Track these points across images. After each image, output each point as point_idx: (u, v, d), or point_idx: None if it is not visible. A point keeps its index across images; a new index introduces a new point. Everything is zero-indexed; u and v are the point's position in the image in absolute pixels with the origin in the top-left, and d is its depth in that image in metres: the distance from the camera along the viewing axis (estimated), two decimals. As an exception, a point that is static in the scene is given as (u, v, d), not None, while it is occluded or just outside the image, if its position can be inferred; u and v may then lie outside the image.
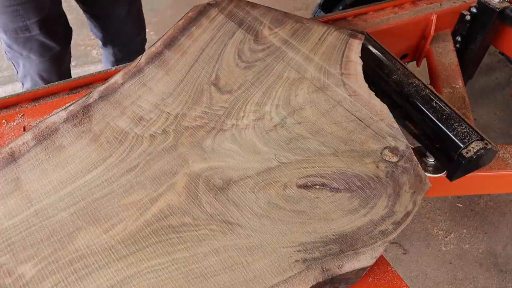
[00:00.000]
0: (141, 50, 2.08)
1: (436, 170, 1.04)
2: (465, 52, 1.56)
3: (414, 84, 1.10)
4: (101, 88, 0.92)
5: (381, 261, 0.76)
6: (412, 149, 0.87)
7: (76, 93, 1.07)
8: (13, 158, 0.80)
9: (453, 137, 0.98)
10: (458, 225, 2.10)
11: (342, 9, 1.85)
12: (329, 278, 0.67)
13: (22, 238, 0.69)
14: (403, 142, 0.86)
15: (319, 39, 1.09)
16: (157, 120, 0.88)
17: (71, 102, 0.90)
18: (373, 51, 1.19)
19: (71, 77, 1.89)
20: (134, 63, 0.98)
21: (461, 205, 2.18)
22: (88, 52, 2.57)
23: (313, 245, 0.70)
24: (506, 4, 1.44)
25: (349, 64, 1.02)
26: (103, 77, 1.10)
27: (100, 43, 2.00)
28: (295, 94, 0.95)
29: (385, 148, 0.85)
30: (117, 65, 1.99)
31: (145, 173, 0.79)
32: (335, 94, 0.95)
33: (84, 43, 1.97)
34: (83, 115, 0.87)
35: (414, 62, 1.60)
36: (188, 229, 0.71)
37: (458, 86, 1.34)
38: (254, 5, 1.16)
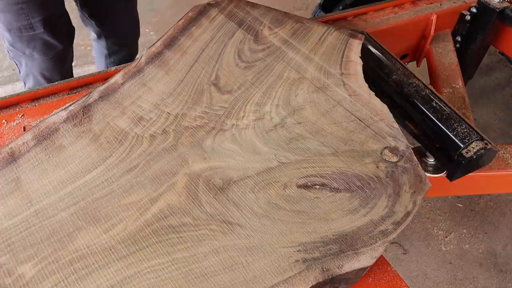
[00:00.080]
0: (135, 45, 2.09)
1: (436, 170, 1.04)
2: (465, 52, 1.56)
3: (414, 84, 1.10)
4: (101, 88, 0.92)
5: (381, 261, 0.76)
6: (412, 149, 0.87)
7: (76, 93, 1.07)
8: (13, 158, 0.80)
9: (453, 137, 0.98)
10: (458, 225, 2.10)
11: (342, 9, 1.85)
12: (329, 278, 0.67)
13: (22, 238, 0.69)
14: (403, 142, 0.86)
15: (319, 39, 1.09)
16: (157, 120, 0.88)
17: (71, 102, 0.90)
18: (373, 51, 1.19)
19: (73, 76, 1.90)
20: (134, 63, 0.98)
21: (461, 205, 2.18)
22: (88, 52, 2.57)
23: (313, 245, 0.70)
24: (506, 4, 1.44)
25: (349, 64, 1.02)
26: (103, 77, 1.10)
27: (93, 35, 1.99)
28: (295, 94, 0.95)
29: (385, 148, 0.85)
30: (110, 58, 2.01)
31: (145, 173, 0.79)
32: (335, 94, 0.95)
33: (84, 43, 1.97)
34: (83, 115, 0.87)
35: (414, 62, 1.60)
36: (188, 229, 0.71)
37: (458, 86, 1.34)
38: (254, 5, 1.16)
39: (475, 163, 0.98)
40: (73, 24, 1.78)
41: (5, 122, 0.97)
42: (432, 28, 1.44)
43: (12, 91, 2.08)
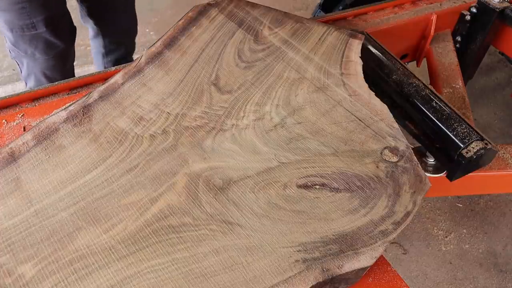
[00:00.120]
0: (132, 43, 2.10)
1: (436, 170, 1.04)
2: (465, 52, 1.56)
3: (414, 84, 1.10)
4: (101, 88, 0.92)
5: (381, 261, 0.76)
6: (412, 149, 0.87)
7: (76, 93, 1.07)
8: (13, 158, 0.80)
9: (453, 137, 0.98)
10: (458, 225, 2.10)
11: (342, 9, 1.85)
12: (329, 278, 0.67)
13: (22, 238, 0.69)
14: (403, 142, 0.86)
15: (319, 39, 1.09)
16: (157, 120, 0.88)
17: (71, 102, 0.90)
18: (373, 51, 1.19)
19: (74, 75, 1.90)
20: (134, 63, 0.98)
21: (461, 205, 2.18)
22: (88, 52, 2.57)
23: (313, 245, 0.70)
24: (506, 4, 1.44)
25: (349, 64, 1.02)
26: (103, 77, 1.10)
27: (90, 33, 2.00)
28: (295, 94, 0.95)
29: (385, 148, 0.85)
30: (108, 57, 2.02)
31: (145, 173, 0.79)
32: (335, 94, 0.95)
33: (84, 43, 1.97)
34: (83, 115, 0.87)
35: (414, 62, 1.60)
36: (188, 229, 0.71)
37: (458, 86, 1.34)
38: (254, 5, 1.16)
39: (475, 163, 0.98)
40: (74, 24, 1.78)
41: (5, 122, 0.97)
42: (432, 28, 1.44)
43: (12, 91, 2.08)
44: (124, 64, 1.08)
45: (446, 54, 1.46)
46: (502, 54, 2.45)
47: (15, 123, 0.97)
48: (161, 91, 0.93)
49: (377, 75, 1.16)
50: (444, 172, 1.03)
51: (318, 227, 0.73)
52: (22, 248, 0.68)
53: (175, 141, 0.84)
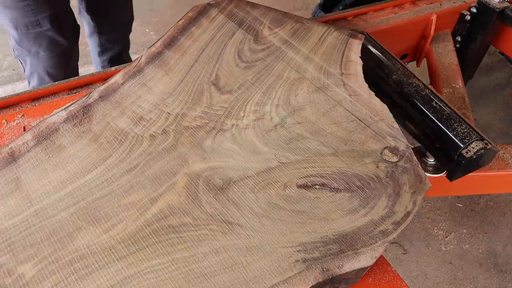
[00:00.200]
0: (127, 43, 2.11)
1: (436, 170, 1.04)
2: (465, 52, 1.56)
3: (414, 84, 1.10)
4: (101, 88, 0.92)
5: (381, 261, 0.76)
6: (412, 149, 0.87)
7: (76, 93, 1.07)
8: (13, 158, 0.80)
9: (453, 137, 0.98)
10: (458, 225, 2.10)
11: (342, 9, 1.85)
12: (329, 278, 0.67)
13: (22, 238, 0.69)
14: (403, 142, 0.86)
15: (319, 39, 1.09)
16: (157, 120, 0.88)
17: (71, 102, 0.90)
18: (373, 51, 1.19)
19: (78, 75, 1.91)
20: (134, 63, 0.98)
21: (461, 205, 2.18)
22: (88, 52, 2.57)
23: (313, 245, 0.70)
24: (506, 4, 1.44)
25: (349, 64, 1.02)
26: (103, 77, 1.10)
27: (86, 31, 2.01)
28: (295, 94, 0.95)
29: (385, 148, 0.85)
30: (103, 56, 2.03)
31: (145, 173, 0.79)
32: (335, 94, 0.95)
33: (84, 42, 1.97)
34: (83, 115, 0.87)
35: (414, 62, 1.60)
36: (188, 229, 0.71)
37: (458, 86, 1.34)
38: (254, 5, 1.16)
39: (475, 163, 0.98)
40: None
41: (5, 122, 0.97)
42: (432, 28, 1.44)
43: (12, 91, 2.08)
44: (124, 64, 1.08)
45: (446, 54, 1.46)
46: (502, 54, 2.46)
47: (15, 123, 0.97)
48: (161, 91, 0.93)
49: (377, 75, 1.16)
50: (444, 172, 1.03)
51: (318, 227, 0.73)
52: (22, 248, 0.68)
53: (175, 141, 0.84)
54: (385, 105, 0.93)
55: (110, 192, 0.76)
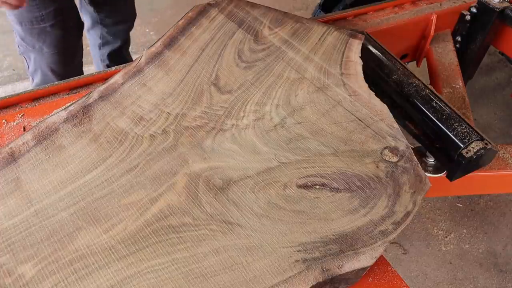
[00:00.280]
0: (128, 38, 2.12)
1: (436, 170, 1.04)
2: (465, 52, 1.56)
3: (414, 84, 1.10)
4: (101, 88, 0.92)
5: (381, 261, 0.76)
6: (412, 149, 0.87)
7: (76, 93, 1.07)
8: (13, 158, 0.80)
9: (453, 137, 0.98)
10: (458, 225, 2.10)
11: (342, 9, 1.85)
12: (329, 278, 0.67)
13: (22, 238, 0.69)
14: (403, 142, 0.86)
15: (319, 39, 1.09)
16: (157, 120, 0.88)
17: (71, 102, 0.90)
18: (373, 51, 1.19)
19: (83, 73, 1.92)
20: (134, 63, 0.98)
21: (461, 205, 2.18)
22: (88, 52, 2.57)
23: (313, 245, 0.70)
24: (506, 4, 1.44)
25: (349, 64, 1.02)
26: (103, 77, 1.10)
27: (87, 24, 2.02)
28: (295, 94, 0.95)
29: (385, 148, 0.85)
30: (103, 49, 2.04)
31: (145, 173, 0.79)
32: (335, 94, 0.95)
33: (85, 43, 1.97)
34: (83, 115, 0.87)
35: (414, 62, 1.60)
36: (188, 229, 0.71)
37: (458, 86, 1.34)
38: (254, 5, 1.16)
39: (475, 163, 0.98)
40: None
41: (5, 122, 0.97)
42: (432, 28, 1.44)
43: (12, 91, 2.09)
44: (124, 64, 1.08)
45: (446, 54, 1.46)
46: (502, 54, 2.46)
47: (15, 123, 0.97)
48: (161, 91, 0.93)
49: (377, 75, 1.16)
50: (444, 172, 1.03)
51: (318, 227, 0.73)
52: (22, 248, 0.68)
53: (175, 141, 0.84)
54: (385, 105, 0.93)
55: (110, 192, 0.76)
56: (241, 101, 0.93)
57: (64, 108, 0.88)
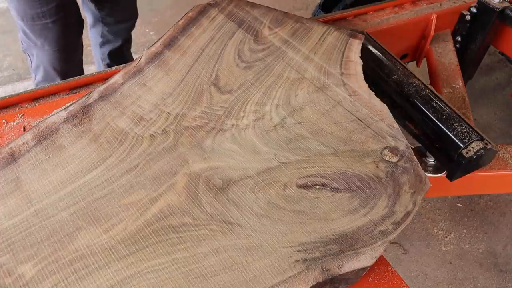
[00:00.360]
0: (129, 37, 2.13)
1: (436, 170, 1.04)
2: (465, 52, 1.56)
3: (414, 84, 1.10)
4: (101, 88, 0.92)
5: (381, 261, 0.76)
6: (412, 149, 0.87)
7: (76, 93, 1.07)
8: (13, 158, 0.80)
9: (453, 137, 0.98)
10: (458, 225, 2.10)
11: (342, 9, 1.85)
12: (329, 278, 0.67)
13: (22, 238, 0.69)
14: (403, 142, 0.86)
15: (319, 39, 1.09)
16: (157, 120, 0.88)
17: (71, 102, 0.90)
18: (373, 51, 1.19)
19: (83, 71, 1.94)
20: (134, 63, 0.98)
21: (461, 205, 2.18)
22: (88, 52, 2.57)
23: (313, 245, 0.70)
24: (506, 4, 1.44)
25: (349, 64, 1.02)
26: (103, 77, 1.10)
27: (89, 21, 2.03)
28: (295, 94, 0.95)
29: (385, 148, 0.85)
30: (104, 47, 2.05)
31: (145, 173, 0.79)
32: (335, 94, 0.95)
33: (84, 43, 1.97)
34: (83, 115, 0.87)
35: (414, 62, 1.60)
36: (188, 229, 0.71)
37: (458, 86, 1.34)
38: (254, 5, 1.16)
39: (475, 163, 0.98)
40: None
41: (5, 122, 0.97)
42: (432, 28, 1.44)
43: (12, 91, 2.09)
44: (124, 64, 1.08)
45: (446, 54, 1.46)
46: (502, 54, 2.46)
47: (15, 123, 0.97)
48: (161, 91, 0.93)
49: (377, 75, 1.16)
50: (444, 172, 1.03)
51: (318, 227, 0.73)
52: (22, 248, 0.68)
53: (175, 141, 0.84)
54: (385, 105, 0.93)
55: (110, 192, 0.76)
56: (241, 101, 0.93)
57: (64, 108, 0.88)
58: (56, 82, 1.07)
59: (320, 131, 0.88)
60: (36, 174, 0.78)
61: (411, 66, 1.51)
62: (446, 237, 2.05)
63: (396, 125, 0.89)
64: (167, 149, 0.83)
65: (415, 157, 0.83)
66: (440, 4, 1.50)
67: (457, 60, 1.45)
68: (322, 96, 0.95)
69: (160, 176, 0.78)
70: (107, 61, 2.11)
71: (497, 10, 1.42)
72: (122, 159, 0.81)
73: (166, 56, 1.00)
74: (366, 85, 0.97)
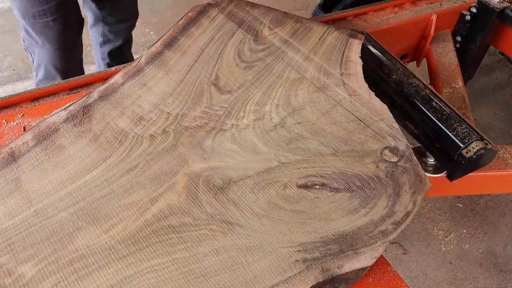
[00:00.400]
0: (129, 37, 2.13)
1: (436, 170, 1.04)
2: (465, 52, 1.56)
3: (414, 84, 1.10)
4: (101, 88, 0.92)
5: (381, 261, 0.76)
6: (412, 149, 0.87)
7: (76, 93, 1.07)
8: (13, 158, 0.80)
9: (453, 137, 0.98)
10: (458, 225, 2.10)
11: (342, 9, 1.85)
12: (329, 278, 0.67)
13: (22, 238, 0.69)
14: (403, 142, 0.86)
15: (319, 39, 1.09)
16: (157, 120, 0.88)
17: (71, 102, 0.90)
18: (373, 51, 1.19)
19: (83, 69, 1.95)
20: (134, 63, 0.98)
21: (461, 205, 2.18)
22: (88, 52, 2.57)
23: (313, 245, 0.70)
24: (506, 4, 1.44)
25: (349, 64, 1.02)
26: (103, 77, 1.10)
27: (90, 20, 2.03)
28: (295, 94, 0.95)
29: (385, 148, 0.85)
30: (104, 46, 2.06)
31: (145, 173, 0.79)
32: (335, 94, 0.95)
33: (84, 43, 1.97)
34: (83, 115, 0.87)
35: (414, 62, 1.60)
36: (188, 229, 0.71)
37: (458, 86, 1.34)
38: (254, 5, 1.16)
39: (475, 163, 0.98)
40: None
41: (5, 122, 0.97)
42: (432, 28, 1.44)
43: (12, 91, 2.09)
44: (124, 64, 1.08)
45: (446, 54, 1.46)
46: (502, 54, 2.46)
47: (15, 123, 0.97)
48: (161, 91, 0.93)
49: (377, 75, 1.16)
50: (444, 172, 1.03)
51: (318, 227, 0.73)
52: (22, 248, 0.68)
53: (175, 141, 0.84)
54: (385, 105, 0.93)
55: (110, 192, 0.76)
56: (241, 101, 0.93)
57: (64, 108, 0.88)
58: (56, 82, 1.07)
59: (320, 131, 0.88)
60: (36, 174, 0.78)
61: (411, 66, 1.51)
62: (446, 237, 2.05)
63: (396, 125, 0.89)
64: (167, 149, 0.83)
65: (415, 157, 0.83)
66: (440, 4, 1.50)
67: (457, 60, 1.45)
68: (322, 96, 0.95)
69: (160, 176, 0.78)
70: (108, 60, 2.11)
71: (497, 10, 1.42)
72: (122, 159, 0.81)
73: (166, 56, 1.00)
74: (366, 85, 0.97)
